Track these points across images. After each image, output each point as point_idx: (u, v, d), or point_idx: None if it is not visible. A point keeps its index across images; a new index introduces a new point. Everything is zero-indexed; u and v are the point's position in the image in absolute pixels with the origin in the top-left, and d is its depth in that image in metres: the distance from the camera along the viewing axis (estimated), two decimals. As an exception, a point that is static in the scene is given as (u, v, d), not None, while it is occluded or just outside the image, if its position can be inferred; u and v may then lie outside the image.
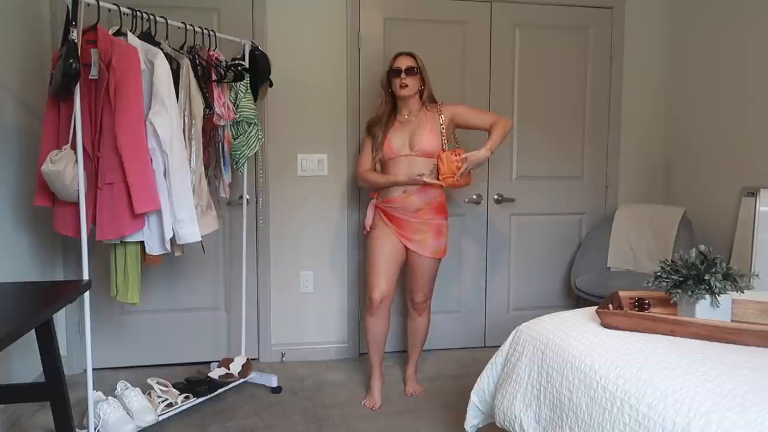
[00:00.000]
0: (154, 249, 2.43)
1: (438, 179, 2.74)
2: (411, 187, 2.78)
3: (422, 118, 2.83)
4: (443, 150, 2.77)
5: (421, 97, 2.87)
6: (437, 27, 3.48)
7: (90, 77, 2.25)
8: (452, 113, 2.85)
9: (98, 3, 2.24)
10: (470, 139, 3.05)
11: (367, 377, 3.02)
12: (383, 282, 2.81)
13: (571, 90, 3.68)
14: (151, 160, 2.34)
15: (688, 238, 3.32)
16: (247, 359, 3.08)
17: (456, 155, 2.72)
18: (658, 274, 1.94)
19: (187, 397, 2.73)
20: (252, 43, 3.04)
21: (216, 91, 2.72)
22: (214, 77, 2.71)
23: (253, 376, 3.07)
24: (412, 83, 2.80)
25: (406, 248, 2.85)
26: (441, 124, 2.81)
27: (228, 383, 2.93)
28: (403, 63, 2.80)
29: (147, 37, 2.46)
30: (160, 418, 2.58)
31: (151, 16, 2.49)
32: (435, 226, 2.85)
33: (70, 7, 2.11)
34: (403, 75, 2.78)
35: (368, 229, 2.89)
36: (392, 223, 2.83)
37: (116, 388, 2.65)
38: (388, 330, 2.94)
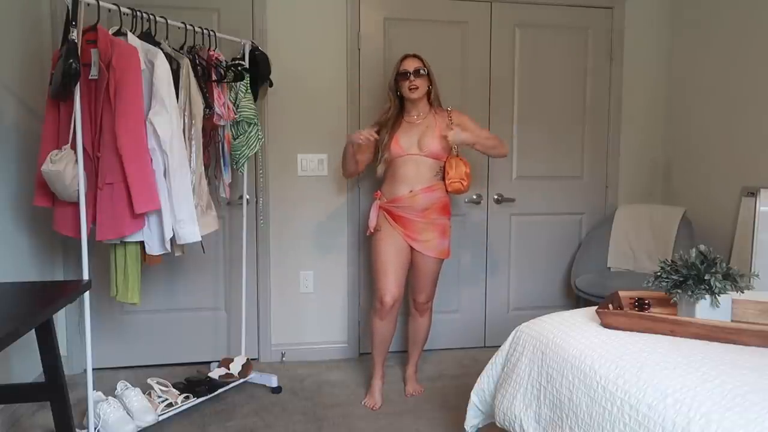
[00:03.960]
0: (154, 249, 2.43)
1: (445, 182, 2.81)
2: (417, 187, 2.79)
3: (431, 121, 2.84)
4: (451, 155, 2.79)
5: (429, 98, 2.87)
6: (437, 27, 3.48)
7: (90, 77, 2.25)
8: (459, 121, 2.86)
9: (98, 3, 2.24)
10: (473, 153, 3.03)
11: (369, 377, 3.02)
12: (393, 285, 2.81)
13: (570, 90, 3.67)
14: (151, 160, 2.34)
15: (688, 238, 3.32)
16: (247, 359, 3.08)
17: (465, 163, 2.80)
18: (658, 274, 1.94)
19: (187, 397, 2.73)
20: (252, 43, 3.05)
21: (216, 91, 2.72)
22: (214, 77, 2.71)
23: (253, 376, 3.07)
24: (421, 85, 2.80)
25: (411, 249, 2.85)
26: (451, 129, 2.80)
27: (228, 383, 2.93)
28: (411, 65, 2.80)
29: (147, 37, 2.46)
30: (160, 418, 2.58)
31: (151, 16, 2.49)
32: (440, 226, 2.85)
33: (70, 7, 2.11)
34: (411, 77, 2.78)
35: (372, 231, 2.88)
36: (397, 224, 2.83)
37: (116, 388, 2.64)
38: (395, 332, 2.95)
